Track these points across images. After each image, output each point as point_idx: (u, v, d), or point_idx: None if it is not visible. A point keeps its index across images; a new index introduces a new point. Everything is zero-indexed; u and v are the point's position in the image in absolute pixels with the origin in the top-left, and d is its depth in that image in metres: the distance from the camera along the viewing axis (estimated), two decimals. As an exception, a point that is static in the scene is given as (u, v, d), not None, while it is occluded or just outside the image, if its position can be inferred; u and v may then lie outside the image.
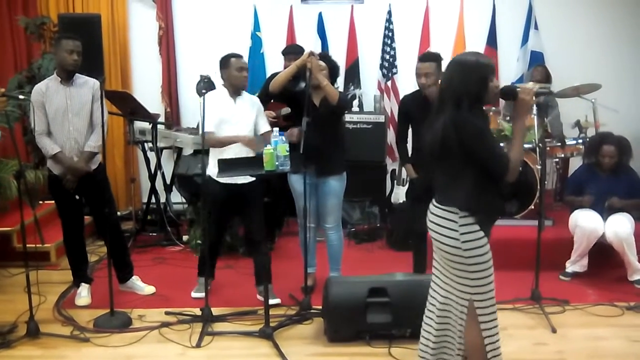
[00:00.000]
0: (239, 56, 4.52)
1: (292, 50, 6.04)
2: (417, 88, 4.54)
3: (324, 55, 4.74)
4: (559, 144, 5.86)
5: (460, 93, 2.79)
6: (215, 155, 4.34)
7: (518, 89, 2.84)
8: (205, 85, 5.91)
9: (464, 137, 2.76)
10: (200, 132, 4.29)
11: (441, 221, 2.93)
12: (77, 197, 4.43)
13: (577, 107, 6.07)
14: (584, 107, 6.02)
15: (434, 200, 3.03)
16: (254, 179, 4.35)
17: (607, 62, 6.82)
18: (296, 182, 4.57)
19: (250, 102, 4.53)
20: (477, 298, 2.91)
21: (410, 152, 4.75)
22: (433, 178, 3.02)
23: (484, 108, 2.87)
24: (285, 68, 4.96)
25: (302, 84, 4.49)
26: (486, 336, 2.94)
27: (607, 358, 3.61)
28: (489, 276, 2.91)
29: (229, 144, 4.34)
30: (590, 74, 6.16)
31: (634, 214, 5.08)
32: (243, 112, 4.45)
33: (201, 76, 4.31)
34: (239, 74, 4.42)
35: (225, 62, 4.44)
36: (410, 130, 4.68)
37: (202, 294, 4.46)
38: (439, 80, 4.35)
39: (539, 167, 5.21)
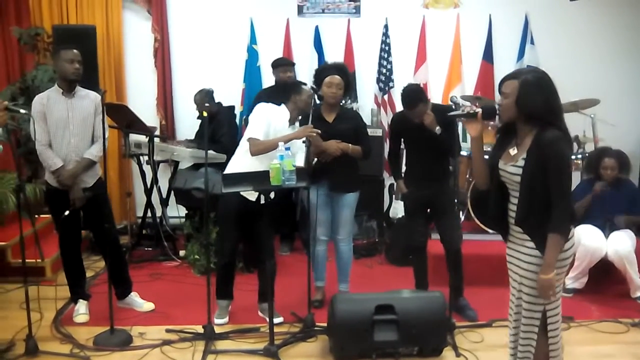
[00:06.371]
0: (304, 84, 4.61)
1: (281, 63, 6.02)
2: None
3: (340, 67, 4.65)
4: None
5: None
6: (238, 167, 4.19)
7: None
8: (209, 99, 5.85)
9: None
10: (247, 138, 4.21)
11: None
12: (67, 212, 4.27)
13: (575, 123, 6.08)
14: (582, 123, 6.04)
15: None
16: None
17: (605, 76, 6.82)
18: (312, 194, 4.53)
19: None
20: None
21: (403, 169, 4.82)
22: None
23: None
24: (275, 80, 4.85)
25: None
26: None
27: (615, 375, 3.60)
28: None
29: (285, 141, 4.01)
30: (588, 89, 6.18)
31: (635, 229, 5.08)
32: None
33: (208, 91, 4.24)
34: (310, 101, 4.45)
35: (297, 89, 4.41)
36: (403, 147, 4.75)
37: (226, 319, 4.44)
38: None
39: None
